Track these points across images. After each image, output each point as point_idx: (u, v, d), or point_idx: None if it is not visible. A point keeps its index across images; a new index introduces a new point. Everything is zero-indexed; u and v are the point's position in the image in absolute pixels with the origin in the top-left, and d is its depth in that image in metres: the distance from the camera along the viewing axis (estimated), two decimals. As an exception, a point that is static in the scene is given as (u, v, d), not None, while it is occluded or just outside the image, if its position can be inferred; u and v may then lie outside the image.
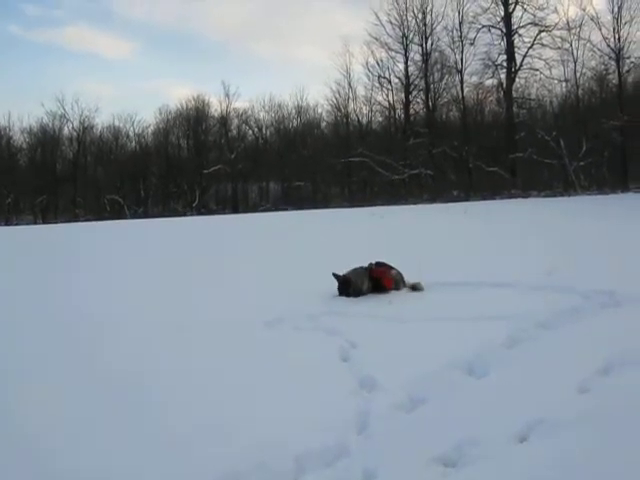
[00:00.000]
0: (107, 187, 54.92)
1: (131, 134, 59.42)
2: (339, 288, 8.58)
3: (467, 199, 37.89)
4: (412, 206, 32.61)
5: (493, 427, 3.93)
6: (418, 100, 48.46)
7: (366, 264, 8.99)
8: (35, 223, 50.17)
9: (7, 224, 47.21)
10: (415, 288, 8.74)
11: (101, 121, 75.67)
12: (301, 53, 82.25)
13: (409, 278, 8.89)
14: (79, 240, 19.25)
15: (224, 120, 57.04)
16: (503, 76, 44.39)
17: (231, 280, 10.31)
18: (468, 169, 43.89)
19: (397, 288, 8.81)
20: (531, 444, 3.74)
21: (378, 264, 9.02)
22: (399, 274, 8.96)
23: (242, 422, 4.17)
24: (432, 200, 38.37)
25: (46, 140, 57.23)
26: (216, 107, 57.81)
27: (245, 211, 48.51)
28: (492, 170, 41.59)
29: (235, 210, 51.97)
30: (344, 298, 8.39)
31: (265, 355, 5.79)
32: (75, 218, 50.20)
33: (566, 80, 43.60)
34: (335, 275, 8.65)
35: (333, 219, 22.64)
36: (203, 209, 52.94)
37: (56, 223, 44.02)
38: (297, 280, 9.65)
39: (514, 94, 44.08)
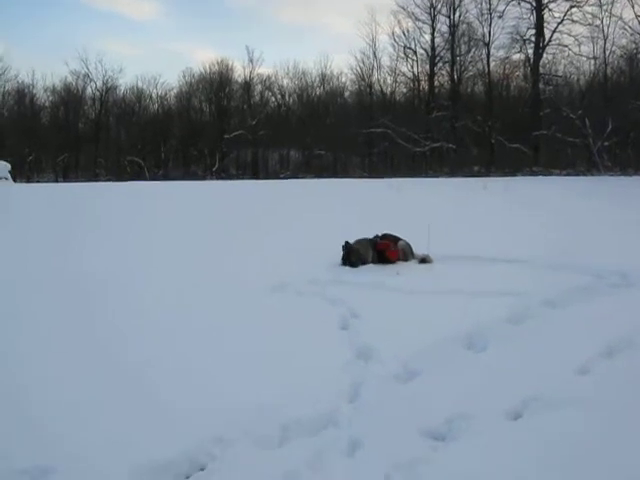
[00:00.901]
0: (128, 148, 54.97)
1: (154, 96, 59.36)
2: (343, 257, 8.57)
3: (488, 175, 37.44)
4: (432, 179, 32.23)
5: (486, 402, 3.87)
6: (443, 72, 47.68)
7: (374, 235, 8.98)
8: (56, 181, 50.36)
9: (28, 181, 47.41)
10: (424, 260, 8.67)
11: (124, 82, 75.42)
12: (327, 20, 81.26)
13: (420, 250, 8.80)
14: (99, 199, 19.18)
15: (247, 86, 56.67)
16: (531, 51, 43.48)
17: (244, 244, 10.23)
18: (490, 144, 43.25)
19: (405, 259, 8.76)
20: (524, 421, 3.70)
21: (384, 236, 8.96)
22: (408, 245, 8.89)
23: (234, 387, 4.17)
24: (452, 174, 37.91)
25: (69, 99, 57.24)
26: (239, 72, 57.49)
27: (265, 177, 48.31)
28: (515, 146, 40.97)
29: (255, 176, 51.81)
30: (351, 268, 8.36)
31: (265, 320, 5.77)
32: (95, 178, 50.35)
33: (595, 58, 42.60)
34: (346, 244, 8.63)
35: (350, 189, 22.39)
36: (223, 173, 52.86)
37: (77, 182, 44.07)
38: (306, 247, 9.62)
39: (541, 70, 43.18)
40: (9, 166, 28.32)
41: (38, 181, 48.28)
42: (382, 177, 33.04)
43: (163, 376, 4.36)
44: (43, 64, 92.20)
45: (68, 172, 55.38)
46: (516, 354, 4.79)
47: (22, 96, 56.56)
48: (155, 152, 56.68)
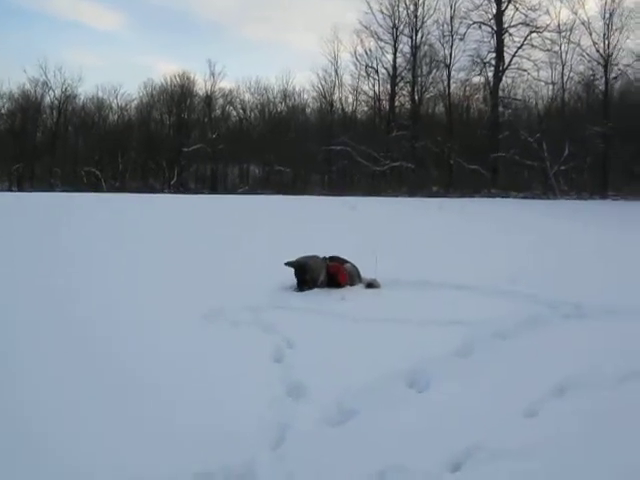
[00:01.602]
0: (85, 159, 53.91)
1: (114, 107, 58.44)
2: (296, 275, 7.92)
3: (446, 195, 37.52)
4: (390, 198, 32.14)
5: (424, 452, 3.49)
6: (404, 92, 47.89)
7: (321, 255, 8.43)
8: (10, 190, 49.07)
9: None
10: (371, 285, 8.22)
11: (84, 91, 74.72)
12: (290, 37, 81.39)
13: (367, 274, 8.36)
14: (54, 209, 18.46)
15: (209, 99, 56.20)
16: (491, 74, 43.99)
17: (183, 264, 9.77)
18: (449, 165, 43.46)
19: (352, 283, 8.26)
20: (463, 474, 3.31)
21: (332, 258, 8.46)
22: (354, 268, 8.42)
23: (139, 438, 3.65)
24: (411, 194, 37.93)
25: (27, 107, 56.00)
26: (201, 86, 56.90)
27: (224, 192, 47.74)
28: (473, 168, 41.20)
29: (214, 190, 51.21)
30: (293, 291, 7.80)
31: (193, 352, 5.27)
32: (50, 188, 49.17)
33: (553, 83, 43.30)
34: (289, 263, 7.96)
35: (305, 206, 22.14)
36: (181, 187, 52.16)
37: (31, 192, 42.94)
38: (251, 267, 9.15)
39: (500, 93, 43.65)
40: None
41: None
42: (341, 195, 32.82)
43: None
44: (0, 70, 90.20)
45: (22, 182, 54.03)
46: (461, 393, 4.41)
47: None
48: (113, 163, 55.64)
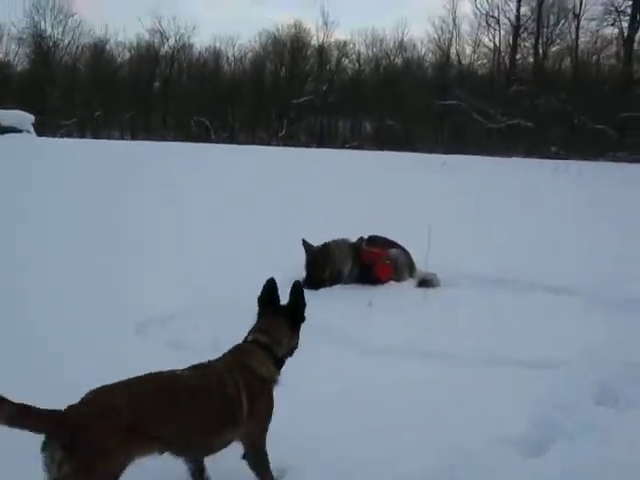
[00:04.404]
0: (197, 109, 54.00)
1: (230, 57, 58.30)
2: (306, 268, 5.89)
3: (566, 157, 34.67)
4: (502, 159, 29.68)
5: None
6: (527, 45, 44.93)
7: (358, 238, 6.34)
8: (122, 139, 49.93)
9: (95, 138, 47.00)
10: (425, 282, 6.05)
11: (200, 40, 74.94)
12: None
13: (426, 265, 6.08)
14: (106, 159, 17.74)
15: (321, 50, 54.86)
16: (625, 25, 40.09)
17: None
18: (572, 125, 40.19)
19: (398, 278, 6.14)
20: None
21: (372, 240, 6.37)
22: (404, 256, 6.29)
23: None
24: (527, 154, 35.31)
25: (142, 56, 56.72)
26: (315, 37, 55.67)
27: (332, 147, 46.57)
28: (599, 128, 37.86)
29: (322, 144, 50.16)
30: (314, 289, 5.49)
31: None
32: (162, 137, 49.62)
33: (700, 34, 38.96)
34: (306, 245, 5.99)
35: (394, 164, 20.40)
36: (290, 140, 51.42)
37: (143, 140, 43.34)
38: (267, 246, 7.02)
39: (635, 46, 39.78)
40: (32, 118, 27.45)
41: (107, 138, 47.78)
42: (452, 153, 31.02)
43: None
44: (118, 20, 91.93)
45: (136, 131, 54.90)
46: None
47: (98, 51, 56.25)
48: (223, 114, 55.60)
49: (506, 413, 3.46)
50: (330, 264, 5.94)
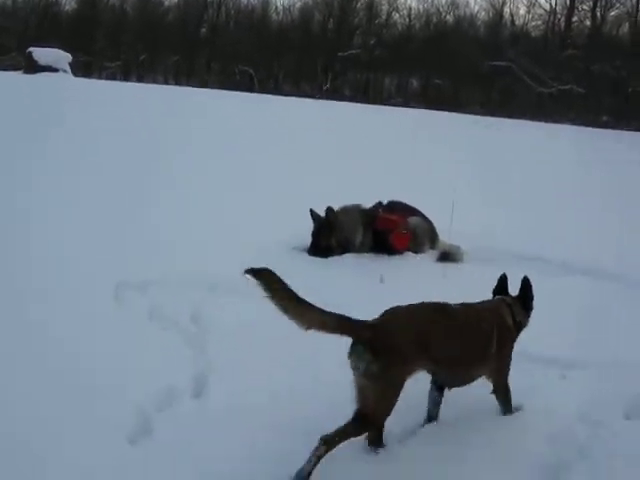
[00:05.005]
0: (242, 57, 53.39)
1: (279, 5, 57.68)
2: (312, 235, 5.57)
3: (619, 127, 33.51)
4: (549, 125, 28.75)
5: None
6: (585, 7, 43.22)
7: (376, 203, 5.91)
8: (166, 83, 49.70)
9: (139, 81, 46.87)
10: (447, 257, 5.57)
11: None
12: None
13: (449, 235, 5.60)
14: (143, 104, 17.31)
15: (372, 3, 53.69)
16: (690, -9, 38.38)
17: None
18: (626, 93, 38.78)
19: (416, 249, 5.70)
20: None
21: (390, 206, 5.91)
22: (426, 226, 5.84)
23: None
24: (577, 122, 34.24)
25: (190, 1, 56.14)
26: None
27: (377, 102, 45.78)
28: (655, 98, 36.57)
29: (366, 100, 49.36)
30: (306, 259, 5.33)
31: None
32: (204, 84, 49.27)
33: None
34: (314, 215, 5.64)
35: (430, 123, 19.75)
36: (335, 93, 50.66)
37: (187, 86, 43.09)
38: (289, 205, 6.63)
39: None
40: (70, 57, 27.03)
41: (153, 82, 47.59)
42: (499, 115, 30.28)
43: None
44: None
45: (179, 75, 54.59)
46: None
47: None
48: (268, 64, 54.95)
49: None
50: (337, 231, 5.60)
